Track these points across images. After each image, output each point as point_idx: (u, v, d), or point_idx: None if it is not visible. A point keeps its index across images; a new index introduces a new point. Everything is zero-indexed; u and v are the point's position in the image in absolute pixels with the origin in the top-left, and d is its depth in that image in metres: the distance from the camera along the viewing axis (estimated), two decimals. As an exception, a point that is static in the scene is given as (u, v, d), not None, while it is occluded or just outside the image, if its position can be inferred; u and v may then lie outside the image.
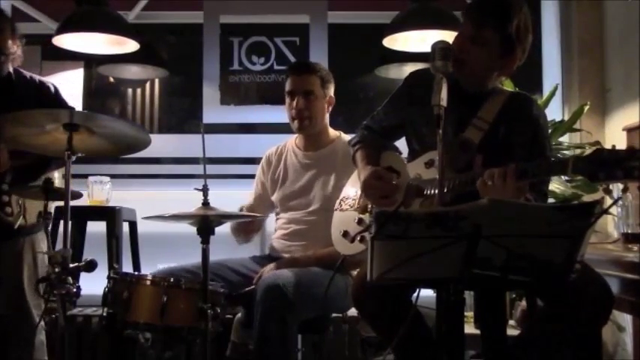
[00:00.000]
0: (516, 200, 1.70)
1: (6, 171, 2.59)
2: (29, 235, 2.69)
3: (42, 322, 2.62)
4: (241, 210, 2.80)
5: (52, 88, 2.79)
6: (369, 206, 2.29)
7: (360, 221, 2.29)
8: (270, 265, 2.64)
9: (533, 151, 2.12)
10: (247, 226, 2.80)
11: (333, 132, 2.92)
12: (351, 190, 2.44)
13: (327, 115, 2.89)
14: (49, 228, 2.48)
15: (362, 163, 2.32)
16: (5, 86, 2.70)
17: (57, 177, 2.87)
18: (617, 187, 3.33)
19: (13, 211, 2.61)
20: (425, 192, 2.14)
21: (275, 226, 2.94)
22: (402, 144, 2.43)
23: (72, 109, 2.74)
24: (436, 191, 2.04)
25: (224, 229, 2.33)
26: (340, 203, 2.46)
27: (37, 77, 2.82)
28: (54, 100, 2.74)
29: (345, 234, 2.33)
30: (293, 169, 2.89)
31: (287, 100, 2.83)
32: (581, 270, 1.60)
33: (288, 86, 2.83)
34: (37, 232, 2.70)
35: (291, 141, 2.97)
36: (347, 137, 2.88)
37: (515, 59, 2.11)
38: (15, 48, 2.68)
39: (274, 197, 2.91)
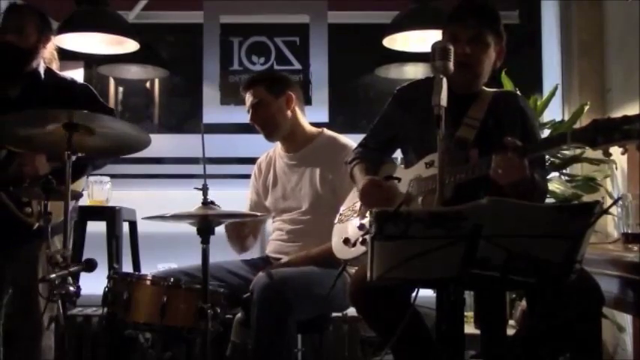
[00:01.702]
0: (516, 200, 1.70)
1: (45, 176, 2.57)
2: (48, 238, 2.66)
3: (52, 326, 2.60)
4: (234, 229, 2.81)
5: (87, 89, 2.79)
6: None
7: (361, 226, 2.30)
8: (265, 269, 2.63)
9: (525, 139, 2.15)
10: (240, 231, 2.81)
11: (312, 129, 2.92)
12: (351, 202, 2.45)
13: (292, 113, 2.84)
14: (49, 228, 2.47)
15: (360, 175, 2.36)
16: (33, 85, 2.70)
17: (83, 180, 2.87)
18: (617, 187, 3.34)
19: (32, 212, 2.60)
20: (425, 189, 2.16)
21: (272, 228, 2.95)
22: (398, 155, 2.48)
23: (111, 110, 2.75)
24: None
25: (224, 229, 2.34)
26: (340, 217, 2.47)
27: (69, 77, 2.81)
28: (92, 100, 2.73)
29: (346, 240, 2.33)
30: (281, 172, 2.90)
31: None
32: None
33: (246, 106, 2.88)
34: (55, 234, 2.67)
35: (278, 146, 2.98)
36: (330, 132, 2.90)
37: (503, 49, 2.26)
38: (44, 47, 2.68)
39: (267, 202, 2.93)
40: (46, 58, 2.78)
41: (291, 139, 2.87)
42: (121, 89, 4.75)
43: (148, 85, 4.73)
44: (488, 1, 2.26)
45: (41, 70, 2.73)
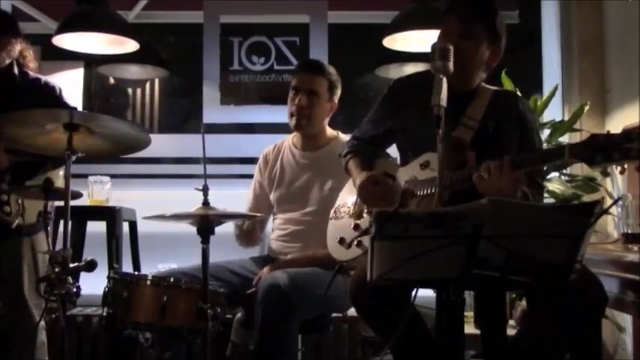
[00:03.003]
0: (516, 200, 1.70)
1: (5, 170, 2.59)
2: (29, 236, 2.68)
3: (42, 322, 2.62)
4: (242, 224, 2.80)
5: (57, 90, 2.80)
6: (365, 212, 2.30)
7: (356, 227, 2.29)
8: (269, 266, 2.63)
9: (522, 146, 2.15)
10: (250, 234, 2.81)
11: (330, 132, 2.91)
12: (346, 198, 2.44)
13: (327, 120, 2.87)
14: (49, 228, 2.48)
15: (356, 170, 2.33)
16: (6, 86, 2.70)
17: (61, 176, 2.87)
18: (617, 187, 3.34)
19: (11, 211, 2.61)
20: (421, 192, 2.14)
21: (272, 226, 2.94)
22: (392, 151, 2.46)
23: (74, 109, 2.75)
24: (432, 191, 2.05)
25: (224, 229, 2.33)
26: (335, 212, 2.45)
27: (42, 78, 2.82)
28: (56, 101, 2.74)
29: (342, 241, 2.32)
30: (290, 168, 2.87)
31: (290, 95, 2.80)
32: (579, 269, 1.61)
33: (294, 82, 2.81)
34: (37, 232, 2.69)
35: (288, 139, 2.95)
36: (345, 137, 2.88)
37: (500, 50, 2.19)
38: (5, 48, 2.68)
39: (271, 197, 2.90)
40: (18, 59, 2.77)
41: (312, 138, 2.85)
42: (121, 89, 4.76)
43: (147, 85, 4.73)
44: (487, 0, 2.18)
45: (15, 71, 2.74)
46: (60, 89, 2.81)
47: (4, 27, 2.73)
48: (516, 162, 1.85)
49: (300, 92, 2.76)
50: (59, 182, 2.61)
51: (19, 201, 2.61)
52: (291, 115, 2.79)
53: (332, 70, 2.87)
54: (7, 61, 2.72)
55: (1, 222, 2.60)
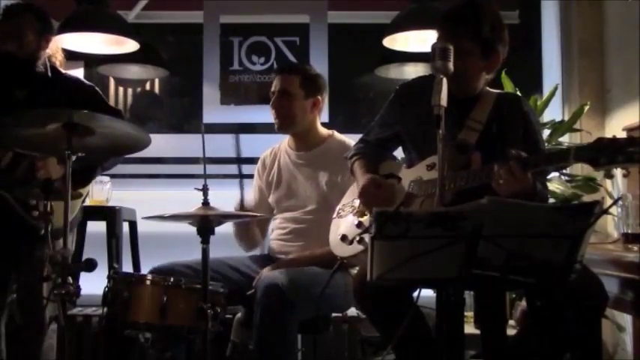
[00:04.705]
0: (516, 200, 1.70)
1: (59, 179, 2.56)
2: (57, 240, 2.65)
3: (54, 326, 2.59)
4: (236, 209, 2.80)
5: (98, 91, 2.79)
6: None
7: (359, 224, 2.30)
8: (269, 266, 2.64)
9: (527, 146, 2.15)
10: (248, 230, 2.80)
11: (324, 131, 2.91)
12: (350, 198, 2.45)
13: (313, 116, 2.84)
14: (50, 228, 2.47)
15: (360, 172, 2.35)
16: (40, 85, 2.69)
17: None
18: (617, 187, 3.34)
19: (40, 215, 2.59)
20: (425, 193, 2.15)
21: (272, 226, 2.94)
22: (399, 153, 2.48)
23: (118, 111, 2.76)
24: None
25: (224, 229, 2.34)
26: (339, 211, 2.47)
27: (75, 77, 2.81)
28: (101, 104, 2.72)
29: (344, 237, 2.33)
30: (287, 169, 2.89)
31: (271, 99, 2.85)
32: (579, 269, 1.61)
33: (272, 87, 2.85)
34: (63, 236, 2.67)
35: (284, 142, 2.97)
36: (340, 136, 2.90)
37: (498, 55, 2.17)
38: (46, 47, 2.67)
39: (271, 199, 2.92)
40: (51, 56, 2.76)
41: (304, 138, 2.86)
42: (121, 89, 4.75)
43: (147, 85, 4.73)
44: (471, 8, 2.14)
45: (48, 69, 2.73)
46: (96, 88, 2.80)
47: (45, 25, 2.71)
48: (523, 164, 1.86)
49: (276, 94, 2.80)
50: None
51: (48, 205, 2.59)
52: (275, 118, 2.83)
53: (306, 68, 2.89)
54: (44, 58, 2.72)
55: (30, 226, 2.57)
